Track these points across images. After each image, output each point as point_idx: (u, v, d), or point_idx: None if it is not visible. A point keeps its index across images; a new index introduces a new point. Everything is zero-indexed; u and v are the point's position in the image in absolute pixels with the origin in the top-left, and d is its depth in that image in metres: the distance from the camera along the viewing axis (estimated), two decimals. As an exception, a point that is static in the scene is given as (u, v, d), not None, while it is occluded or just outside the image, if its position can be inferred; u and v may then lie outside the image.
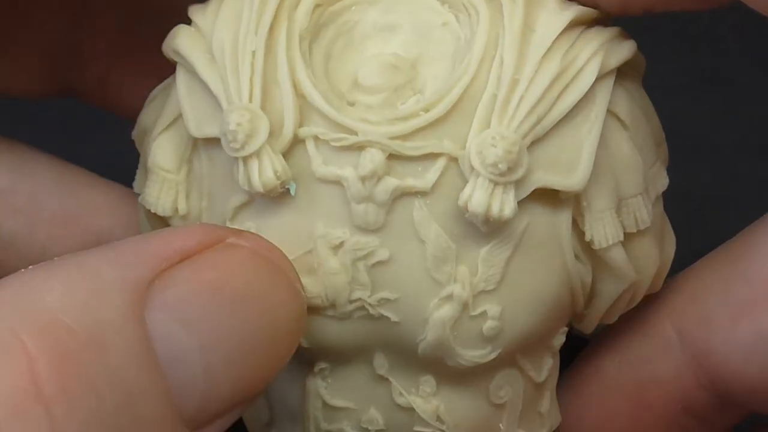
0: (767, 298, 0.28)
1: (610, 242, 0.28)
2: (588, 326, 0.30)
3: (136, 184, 0.30)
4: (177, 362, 0.23)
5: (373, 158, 0.26)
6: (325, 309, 0.27)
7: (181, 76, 0.28)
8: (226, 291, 0.24)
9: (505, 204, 0.26)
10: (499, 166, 0.26)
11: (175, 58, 0.28)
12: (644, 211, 0.28)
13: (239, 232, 0.25)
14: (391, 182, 0.26)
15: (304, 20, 0.27)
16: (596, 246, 0.28)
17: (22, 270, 0.23)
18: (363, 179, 0.26)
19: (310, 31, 0.28)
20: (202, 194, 0.28)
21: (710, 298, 0.29)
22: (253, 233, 0.26)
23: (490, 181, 0.26)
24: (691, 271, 0.30)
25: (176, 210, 0.29)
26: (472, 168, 0.26)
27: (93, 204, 0.33)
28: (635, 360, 0.31)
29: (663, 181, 0.29)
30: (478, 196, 0.26)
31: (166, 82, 0.30)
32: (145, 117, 0.30)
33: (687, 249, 0.31)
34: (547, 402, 0.30)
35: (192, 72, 0.28)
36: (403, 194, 0.26)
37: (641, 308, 0.31)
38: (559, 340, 0.29)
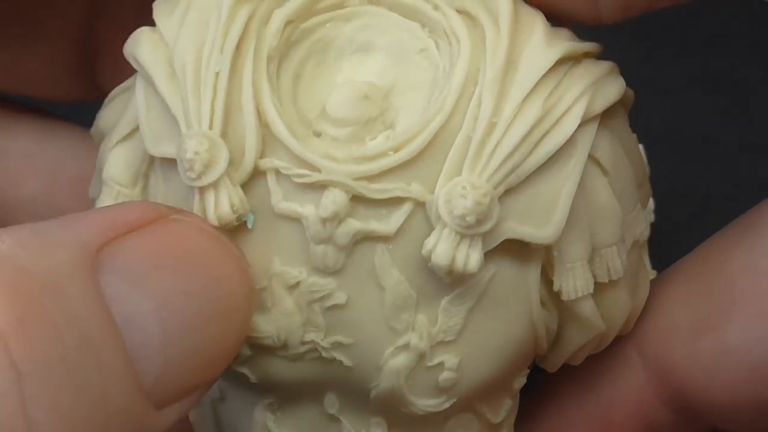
0: (730, 313, 0.27)
1: (579, 294, 0.26)
2: (552, 366, 0.29)
3: (91, 189, 0.29)
4: (133, 325, 0.22)
5: (335, 199, 0.25)
6: (276, 350, 0.26)
7: (140, 86, 0.26)
8: (177, 256, 0.23)
9: (470, 257, 0.25)
10: (467, 218, 0.24)
11: (135, 67, 0.27)
12: (618, 262, 0.27)
13: (182, 211, 0.25)
14: (353, 225, 0.25)
15: (273, 38, 0.26)
16: (564, 297, 0.26)
17: None
18: (324, 220, 0.25)
19: (280, 50, 0.26)
20: None
21: (671, 314, 0.28)
22: (196, 214, 0.25)
23: (457, 233, 0.25)
24: (652, 286, 0.29)
25: None
26: (439, 217, 0.25)
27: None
28: (595, 380, 0.30)
29: (641, 226, 0.28)
30: (442, 248, 0.25)
31: (127, 82, 0.28)
32: (102, 118, 0.29)
33: (687, 249, 0.30)
34: None
35: (152, 84, 0.26)
36: (364, 238, 0.25)
37: None
38: (520, 382, 0.28)
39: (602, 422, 0.30)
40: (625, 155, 0.27)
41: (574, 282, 0.26)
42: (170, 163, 0.26)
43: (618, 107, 0.27)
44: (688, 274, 0.29)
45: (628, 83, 0.27)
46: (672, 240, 0.31)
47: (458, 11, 0.26)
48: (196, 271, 0.24)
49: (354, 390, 0.26)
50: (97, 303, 0.22)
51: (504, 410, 0.28)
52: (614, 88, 0.26)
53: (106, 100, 0.29)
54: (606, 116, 0.26)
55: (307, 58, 0.26)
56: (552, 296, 0.27)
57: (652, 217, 0.40)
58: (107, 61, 0.34)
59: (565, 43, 0.26)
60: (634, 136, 0.28)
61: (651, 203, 0.40)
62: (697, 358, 0.28)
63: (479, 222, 0.24)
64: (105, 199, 0.27)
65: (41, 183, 0.33)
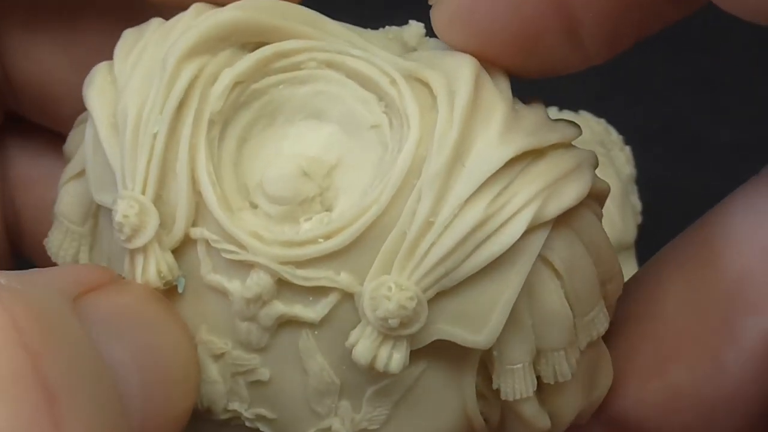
0: (676, 355, 0.27)
1: (518, 396, 0.25)
2: None
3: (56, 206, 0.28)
4: (116, 373, 0.23)
5: (260, 281, 0.24)
6: (202, 415, 0.25)
7: (89, 131, 0.26)
8: (142, 314, 0.24)
9: (392, 358, 0.24)
10: (389, 321, 0.23)
11: (87, 108, 0.26)
12: (565, 366, 0.25)
13: (127, 279, 0.25)
14: (277, 308, 0.24)
15: (218, 100, 0.24)
16: (503, 397, 0.25)
17: None
18: (248, 301, 0.24)
19: (225, 113, 0.25)
20: (102, 254, 0.27)
21: (619, 363, 0.28)
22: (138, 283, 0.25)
23: (380, 332, 0.23)
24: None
25: (77, 262, 0.27)
26: (365, 313, 0.23)
27: None
28: None
29: (602, 324, 0.26)
30: (363, 346, 0.24)
31: (85, 114, 0.27)
32: (69, 142, 0.28)
33: None
34: None
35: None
36: (289, 321, 0.24)
37: None
38: None
39: None
40: (587, 254, 0.25)
41: (513, 384, 0.25)
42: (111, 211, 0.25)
43: (587, 203, 0.25)
44: (630, 320, 0.28)
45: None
46: (662, 239, 0.29)
47: (420, 80, 0.24)
48: (162, 329, 0.24)
49: None
50: (89, 343, 0.23)
51: None
52: (575, 190, 0.24)
53: (76, 123, 0.28)
54: (568, 215, 0.24)
55: (256, 121, 0.25)
56: (492, 391, 0.25)
57: (640, 219, 0.41)
58: (24, 93, 0.32)
59: (524, 139, 0.24)
60: (604, 233, 0.26)
61: (638, 205, 0.41)
62: (648, 402, 0.27)
63: (403, 325, 0.23)
64: (55, 233, 0.27)
65: None
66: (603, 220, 0.26)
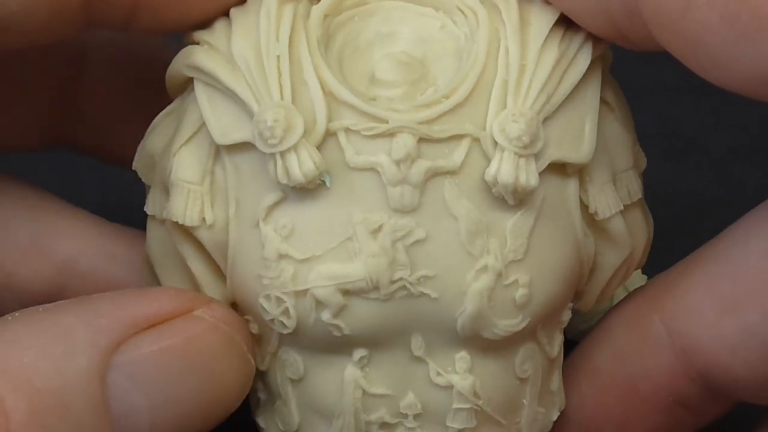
0: (752, 295, 0.30)
1: (613, 212, 0.30)
2: (587, 303, 0.32)
3: (149, 206, 0.31)
4: (127, 418, 0.26)
5: (406, 143, 0.28)
6: (369, 291, 0.28)
7: (200, 89, 0.29)
8: (180, 361, 0.28)
9: (530, 174, 0.28)
10: (523, 138, 0.28)
11: (192, 74, 0.30)
12: (635, 184, 0.31)
13: (208, 303, 0.28)
14: (423, 164, 0.28)
15: (318, 27, 0.29)
16: (600, 216, 0.30)
17: (8, 317, 0.26)
18: (398, 163, 0.28)
19: (324, 38, 0.29)
20: (228, 202, 0.29)
21: (697, 295, 0.31)
22: (220, 304, 0.29)
23: (515, 153, 0.28)
24: (679, 268, 0.32)
25: (203, 220, 0.29)
26: (496, 144, 0.28)
27: (59, 231, 0.34)
28: (627, 356, 0.32)
29: (642, 160, 0.32)
30: (506, 168, 0.28)
31: (169, 108, 0.31)
32: (151, 142, 0.31)
33: (678, 252, 0.33)
34: (557, 380, 0.31)
35: (211, 84, 0.29)
36: (434, 174, 0.28)
37: (631, 305, 0.33)
38: (567, 315, 0.31)
39: (631, 394, 0.32)
40: (622, 95, 0.31)
41: (607, 201, 0.30)
42: (238, 149, 0.29)
43: (605, 65, 0.31)
44: (713, 256, 0.31)
45: (621, 86, 0.31)
46: (663, 243, 0.32)
47: None
48: (196, 375, 0.28)
49: (440, 324, 0.29)
50: (99, 408, 0.26)
51: (557, 344, 0.31)
52: (601, 41, 0.31)
53: (150, 128, 0.31)
54: (600, 63, 0.31)
55: (345, 46, 0.30)
56: (588, 223, 0.30)
57: None
58: (89, 124, 0.36)
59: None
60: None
61: None
62: (721, 338, 0.30)
63: (532, 142, 0.28)
64: (176, 200, 0.29)
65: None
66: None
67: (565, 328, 0.32)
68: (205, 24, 0.30)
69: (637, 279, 0.41)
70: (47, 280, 0.34)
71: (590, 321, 0.36)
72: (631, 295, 0.33)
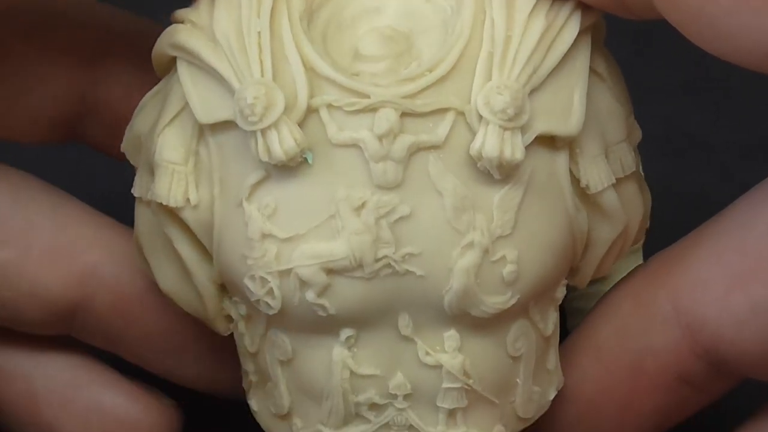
0: (760, 270, 0.29)
1: (605, 185, 0.29)
2: (583, 279, 0.31)
3: (135, 188, 0.31)
4: None
5: (388, 117, 0.28)
6: (353, 270, 0.28)
7: (182, 69, 0.29)
8: None
9: (515, 147, 0.28)
10: (508, 111, 0.28)
11: (175, 53, 0.29)
12: (629, 156, 0.30)
13: None
14: (406, 139, 0.28)
15: (300, 4, 0.29)
16: (592, 190, 0.29)
17: None
18: (380, 138, 0.27)
19: (307, 14, 0.29)
20: (212, 182, 0.29)
21: (703, 270, 0.30)
22: None
23: (500, 126, 0.28)
24: (684, 242, 0.31)
25: (188, 200, 0.29)
26: (481, 117, 0.28)
27: (84, 239, 0.34)
28: (631, 332, 0.32)
29: (637, 133, 0.31)
30: (490, 142, 0.28)
31: (155, 88, 0.31)
32: (138, 123, 0.31)
33: None
34: (553, 358, 0.31)
35: (193, 63, 0.29)
36: (418, 149, 0.28)
37: (636, 281, 0.32)
38: (561, 291, 0.30)
39: (636, 371, 0.32)
40: (615, 69, 0.31)
41: (599, 174, 0.29)
42: (221, 128, 0.29)
43: (597, 36, 0.31)
44: (720, 230, 0.30)
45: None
46: (665, 242, 0.32)
47: None
48: None
49: (427, 303, 0.28)
50: None
51: (552, 322, 0.30)
52: (592, 11, 0.30)
53: (137, 110, 0.31)
54: (591, 32, 0.30)
55: (329, 21, 0.29)
56: (581, 197, 0.30)
57: None
58: (104, 119, 0.36)
59: None
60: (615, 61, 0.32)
61: None
62: (728, 313, 0.29)
63: (517, 115, 0.28)
64: (161, 181, 0.29)
65: (12, 251, 0.33)
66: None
67: (568, 308, 0.31)
68: None
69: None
70: (70, 288, 0.33)
71: (591, 300, 0.36)
72: (635, 271, 0.33)
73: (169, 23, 0.30)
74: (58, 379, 0.35)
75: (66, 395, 0.35)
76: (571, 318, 0.37)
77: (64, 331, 0.34)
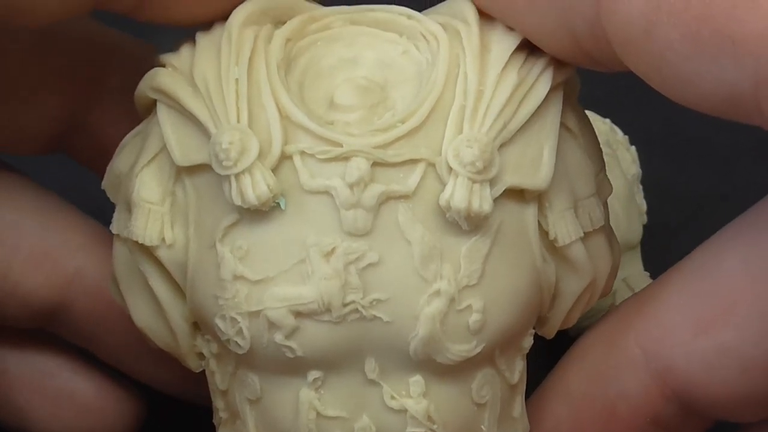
0: (725, 314, 0.30)
1: (573, 238, 0.30)
2: (551, 330, 0.32)
3: (114, 225, 0.31)
4: None
5: (359, 166, 0.28)
6: (321, 314, 0.28)
7: (162, 112, 0.30)
8: None
9: (483, 199, 0.28)
10: (476, 164, 0.28)
11: (155, 96, 0.30)
12: (597, 211, 0.31)
13: None
14: (377, 188, 0.28)
15: (279, 51, 0.30)
16: (560, 243, 0.30)
17: None
18: (351, 186, 0.28)
19: (285, 62, 0.30)
20: (188, 222, 0.30)
21: (671, 315, 0.31)
22: None
23: (469, 179, 0.28)
24: (653, 287, 0.32)
25: (163, 239, 0.30)
26: (450, 169, 0.28)
27: (70, 243, 0.34)
28: (603, 376, 0.32)
29: (608, 188, 0.32)
30: (459, 193, 0.28)
31: (136, 129, 0.32)
32: (118, 163, 0.31)
33: (681, 251, 0.32)
34: (519, 406, 0.31)
35: (174, 107, 0.30)
36: (388, 198, 0.28)
37: (606, 325, 0.32)
38: (528, 341, 0.31)
39: (609, 416, 0.32)
40: (586, 120, 0.31)
41: (567, 227, 0.30)
42: (198, 171, 0.29)
43: (571, 92, 0.31)
44: (687, 275, 0.31)
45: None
46: (666, 241, 0.32)
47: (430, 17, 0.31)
48: None
49: (393, 348, 0.29)
50: None
51: (518, 371, 0.31)
52: (567, 67, 0.31)
53: (118, 149, 0.32)
54: (564, 88, 0.31)
55: (307, 70, 0.30)
56: (548, 249, 0.30)
57: (645, 219, 0.41)
58: (94, 137, 0.36)
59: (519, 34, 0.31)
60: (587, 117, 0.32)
61: (644, 205, 0.41)
62: (696, 357, 0.30)
63: (486, 168, 0.28)
64: (138, 219, 0.30)
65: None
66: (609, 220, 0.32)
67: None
68: (211, 21, 0.30)
69: (641, 279, 0.41)
70: (53, 291, 0.34)
71: (592, 318, 0.36)
72: (606, 316, 0.33)
73: (170, 48, 0.31)
74: (31, 366, 0.36)
75: (38, 381, 0.36)
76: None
77: (43, 328, 0.35)
